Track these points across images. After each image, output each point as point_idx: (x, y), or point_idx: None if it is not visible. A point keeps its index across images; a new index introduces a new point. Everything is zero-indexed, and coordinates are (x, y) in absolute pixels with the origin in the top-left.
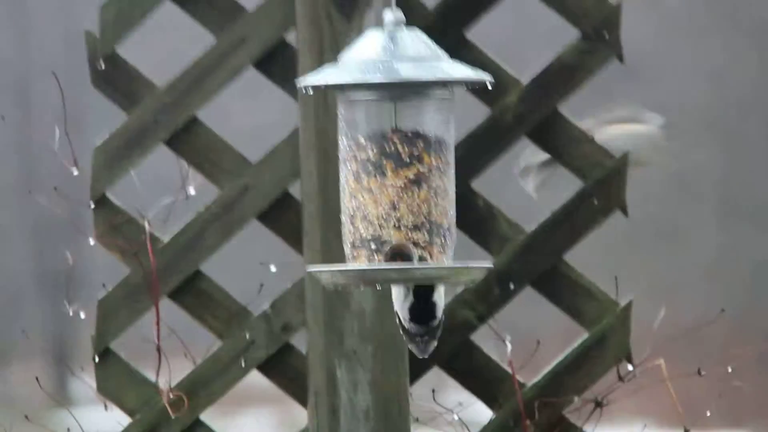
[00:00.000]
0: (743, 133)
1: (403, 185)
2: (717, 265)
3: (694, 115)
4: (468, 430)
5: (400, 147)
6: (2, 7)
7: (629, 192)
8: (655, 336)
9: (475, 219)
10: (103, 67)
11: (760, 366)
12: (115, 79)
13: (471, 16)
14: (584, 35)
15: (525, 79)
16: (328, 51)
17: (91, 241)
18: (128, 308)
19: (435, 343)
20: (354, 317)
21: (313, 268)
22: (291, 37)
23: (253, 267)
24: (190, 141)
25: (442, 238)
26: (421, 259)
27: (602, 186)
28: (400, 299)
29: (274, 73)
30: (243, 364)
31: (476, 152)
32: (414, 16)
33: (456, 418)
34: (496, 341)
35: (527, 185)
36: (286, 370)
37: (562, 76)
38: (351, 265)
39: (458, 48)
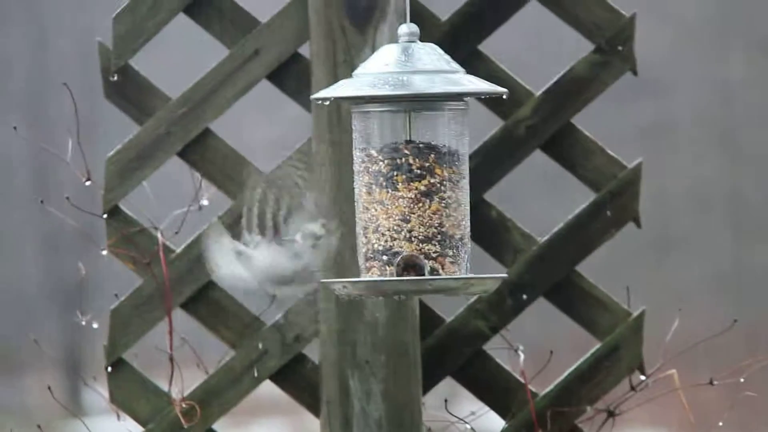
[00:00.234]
0: (755, 145)
1: (414, 197)
2: (729, 275)
3: (706, 128)
4: None
5: (411, 159)
6: (16, 18)
7: (642, 203)
8: (667, 346)
9: (489, 230)
10: (116, 79)
11: None
12: (128, 91)
13: (485, 29)
14: (598, 48)
15: (538, 91)
16: (342, 63)
17: (104, 252)
18: (141, 318)
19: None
20: (367, 328)
21: (327, 279)
22: (304, 50)
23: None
24: (203, 152)
25: (455, 250)
26: (433, 270)
27: (615, 197)
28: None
29: (288, 85)
30: (256, 374)
31: (490, 164)
32: (428, 29)
33: (469, 427)
34: (509, 351)
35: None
36: (298, 380)
37: (575, 88)
38: (364, 278)
39: (472, 60)
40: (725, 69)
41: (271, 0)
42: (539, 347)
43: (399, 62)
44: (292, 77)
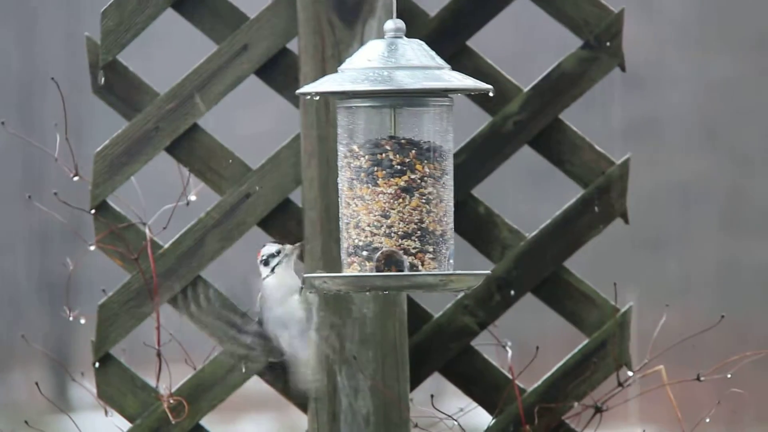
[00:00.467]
0: (743, 142)
1: (393, 193)
2: (717, 272)
3: (693, 124)
4: None
5: (392, 155)
6: (4, 13)
7: (630, 199)
8: (654, 342)
9: (476, 226)
10: (103, 74)
11: (760, 372)
12: (116, 86)
13: (473, 25)
14: (586, 44)
15: (526, 87)
16: (330, 59)
17: (92, 247)
18: (128, 314)
19: None
20: (355, 323)
21: (309, 274)
22: (293, 45)
23: (253, 273)
24: (191, 148)
25: (435, 246)
26: (412, 266)
27: (603, 193)
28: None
29: (276, 80)
30: (243, 370)
31: (477, 159)
32: (417, 25)
33: (456, 423)
34: (496, 347)
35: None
36: (286, 376)
37: (563, 84)
38: (342, 273)
39: (460, 56)
40: (713, 65)
41: None
42: (527, 343)
43: (384, 58)
44: (280, 72)
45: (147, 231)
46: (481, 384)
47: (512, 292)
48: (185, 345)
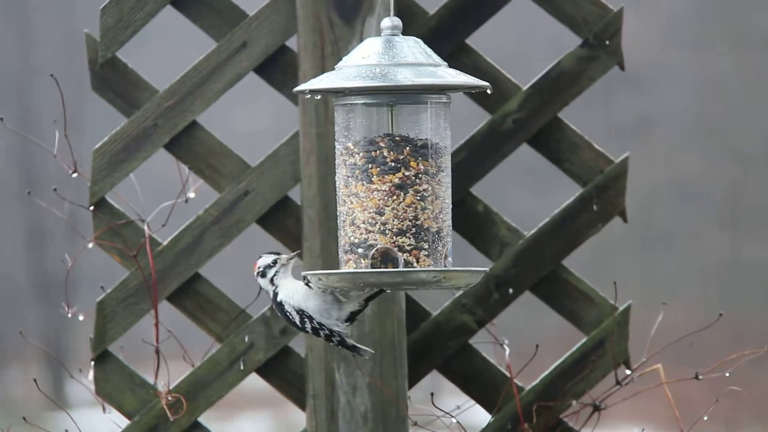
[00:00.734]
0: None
1: (388, 190)
2: (715, 270)
3: (692, 123)
4: None
5: (386, 152)
6: (3, 10)
7: (628, 198)
8: (653, 341)
9: (475, 224)
10: (102, 71)
11: (757, 371)
12: (115, 83)
13: (472, 23)
14: (585, 42)
15: (525, 85)
16: (330, 56)
17: (90, 244)
18: (127, 311)
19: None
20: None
21: (307, 272)
22: (292, 43)
23: (251, 271)
24: (190, 145)
25: (431, 243)
26: (407, 263)
27: (602, 192)
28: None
29: (275, 78)
30: (242, 367)
31: (476, 158)
32: (416, 23)
33: (454, 421)
34: (494, 345)
35: None
36: (284, 374)
37: (562, 82)
38: (336, 270)
39: (459, 54)
40: (712, 64)
41: None
42: (525, 341)
43: (381, 55)
44: (279, 70)
45: (146, 228)
46: (479, 382)
47: (511, 291)
48: (183, 342)
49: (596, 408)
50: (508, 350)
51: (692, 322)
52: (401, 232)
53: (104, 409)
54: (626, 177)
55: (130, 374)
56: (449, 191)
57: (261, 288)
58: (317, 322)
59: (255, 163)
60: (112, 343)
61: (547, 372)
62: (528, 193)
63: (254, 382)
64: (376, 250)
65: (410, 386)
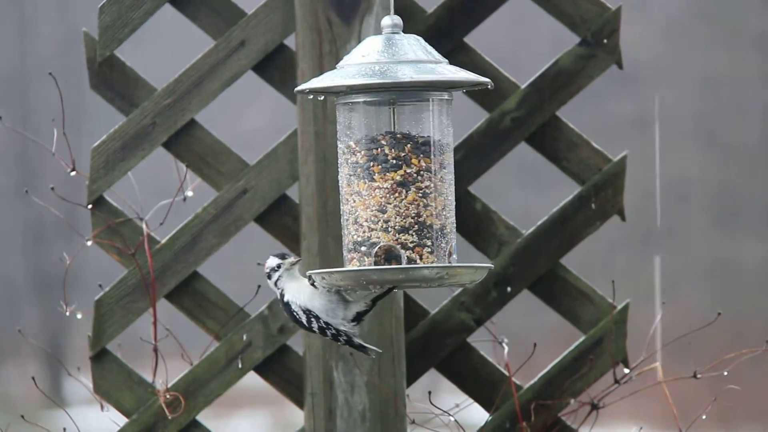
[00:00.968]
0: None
1: (389, 187)
2: (713, 269)
3: (690, 122)
4: None
5: (387, 150)
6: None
7: (626, 196)
8: (651, 339)
9: (473, 222)
10: (101, 70)
11: (755, 370)
12: (114, 81)
13: (470, 22)
14: (583, 41)
15: (524, 83)
16: (327, 55)
17: (89, 242)
18: (125, 309)
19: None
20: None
21: (310, 271)
22: (290, 41)
23: (250, 269)
24: (189, 143)
25: (434, 240)
26: (410, 261)
27: (600, 190)
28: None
29: (273, 76)
30: (240, 366)
31: (474, 156)
32: (414, 21)
33: (452, 419)
34: (493, 344)
35: None
36: (282, 372)
37: (560, 81)
38: (342, 269)
39: (457, 52)
40: (709, 63)
41: None
42: (523, 340)
43: (382, 53)
44: (277, 69)
45: (144, 226)
46: (478, 380)
47: (509, 289)
48: (181, 340)
49: (594, 407)
50: (506, 349)
51: (690, 321)
52: (404, 230)
53: (102, 408)
54: (624, 175)
55: (128, 372)
56: (452, 188)
57: (271, 285)
58: (324, 322)
59: (253, 162)
60: (110, 342)
61: (545, 370)
62: (526, 191)
63: (252, 380)
64: (379, 247)
65: (408, 384)
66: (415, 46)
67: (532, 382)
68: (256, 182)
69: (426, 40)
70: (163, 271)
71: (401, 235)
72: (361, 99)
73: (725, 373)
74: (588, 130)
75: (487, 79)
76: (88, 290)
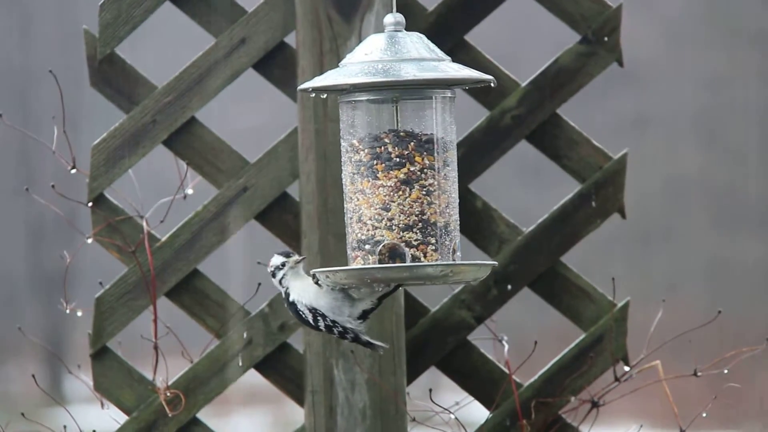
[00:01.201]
0: (739, 138)
1: (393, 186)
2: (713, 267)
3: (691, 121)
4: (464, 429)
5: (390, 148)
6: (1, 6)
7: (627, 194)
8: (651, 337)
9: (474, 220)
10: (101, 67)
11: (756, 368)
12: (114, 79)
13: (471, 19)
14: (584, 39)
15: (524, 81)
16: (328, 53)
17: (89, 240)
18: (126, 307)
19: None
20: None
21: (314, 269)
22: (291, 39)
23: (250, 267)
24: (189, 141)
25: (438, 238)
26: (414, 258)
27: (600, 188)
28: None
29: (274, 74)
30: (240, 363)
31: (475, 154)
32: (414, 19)
33: (452, 417)
34: (493, 342)
35: None
36: (283, 370)
37: (561, 79)
38: (345, 267)
39: (458, 50)
40: (709, 62)
41: None
42: (523, 337)
43: (384, 51)
44: (278, 66)
45: (144, 224)
46: (478, 378)
47: (509, 287)
48: (182, 338)
49: (595, 404)
50: (506, 346)
51: (691, 319)
52: (408, 228)
53: (103, 405)
54: (625, 173)
55: (128, 370)
56: (456, 185)
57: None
58: (330, 320)
59: (253, 160)
60: (110, 339)
61: (545, 368)
62: (527, 189)
63: (253, 378)
64: (384, 246)
65: (409, 382)
66: (417, 43)
67: (532, 379)
68: (256, 180)
69: (426, 38)
70: (163, 268)
71: (405, 233)
72: (364, 97)
73: (726, 372)
74: (588, 128)
75: (490, 77)
76: (89, 288)
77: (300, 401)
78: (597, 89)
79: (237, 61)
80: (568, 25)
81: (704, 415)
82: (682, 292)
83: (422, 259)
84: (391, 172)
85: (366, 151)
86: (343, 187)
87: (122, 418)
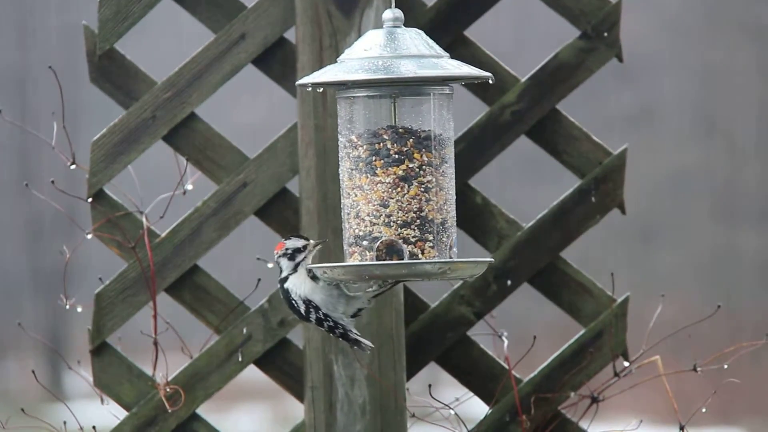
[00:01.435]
0: (739, 132)
1: (392, 182)
2: (713, 262)
3: (690, 115)
4: (464, 425)
5: (389, 144)
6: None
7: (626, 190)
8: (651, 332)
9: (473, 216)
10: (101, 63)
11: (755, 363)
12: (114, 75)
13: (470, 15)
14: (583, 34)
15: (524, 77)
16: (328, 48)
17: (89, 236)
18: (125, 302)
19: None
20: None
21: (311, 265)
22: (290, 35)
23: (250, 262)
24: (189, 137)
25: (435, 234)
26: (412, 255)
27: (600, 184)
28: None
29: (273, 70)
30: (240, 359)
31: (475, 149)
32: (414, 14)
33: (452, 413)
34: (493, 337)
35: None
36: (282, 365)
37: (560, 74)
38: (344, 263)
39: (457, 46)
40: (709, 56)
41: None
42: (523, 333)
43: (383, 47)
44: (277, 62)
45: (144, 220)
46: (478, 374)
47: (509, 282)
48: (181, 334)
49: (594, 400)
50: (506, 342)
51: (690, 314)
52: (406, 224)
53: (102, 401)
54: (624, 169)
55: (128, 366)
56: (453, 182)
57: (279, 265)
58: (323, 313)
59: (253, 155)
60: (110, 335)
61: (545, 364)
62: (526, 185)
63: (252, 373)
64: (381, 242)
65: (408, 378)
66: (416, 40)
67: (532, 375)
68: (256, 176)
69: (426, 34)
70: (163, 264)
71: (403, 229)
72: (363, 93)
73: (725, 366)
74: (588, 124)
75: (488, 74)
76: (89, 284)
77: (300, 397)
78: (597, 85)
79: (236, 56)
80: (568, 20)
81: (704, 410)
82: (682, 287)
83: (420, 255)
84: (389, 168)
85: (365, 147)
86: (340, 182)
87: (122, 413)
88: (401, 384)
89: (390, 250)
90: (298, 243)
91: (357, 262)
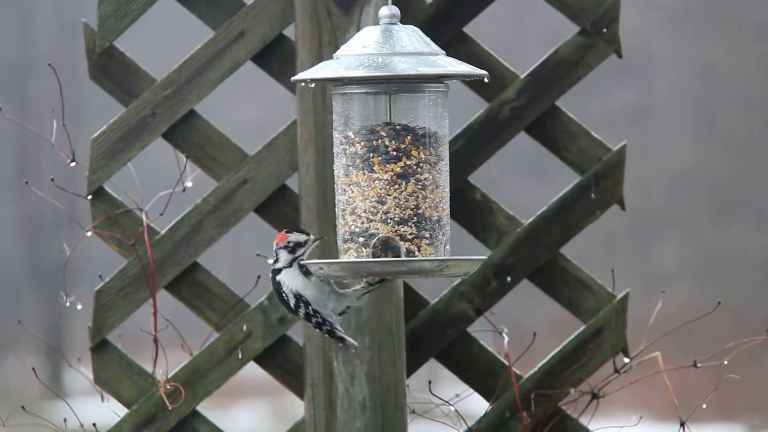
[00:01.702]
0: (737, 129)
1: (389, 179)
2: (713, 258)
3: (689, 112)
4: (464, 422)
5: (387, 141)
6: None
7: (626, 186)
8: (651, 329)
9: (473, 212)
10: (101, 60)
11: (755, 359)
12: (113, 72)
13: (470, 11)
14: (583, 30)
15: (523, 73)
16: (327, 45)
17: (89, 233)
18: (125, 300)
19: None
20: (351, 310)
21: (306, 261)
22: (289, 32)
23: (250, 259)
24: (188, 134)
25: (432, 232)
26: (409, 252)
27: (600, 180)
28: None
29: (273, 67)
30: (240, 356)
31: (474, 146)
32: (413, 11)
33: (452, 409)
34: (493, 334)
35: None
36: (282, 362)
37: (560, 70)
38: (339, 259)
39: (456, 42)
40: (709, 53)
41: None
42: (523, 329)
43: (379, 44)
44: (277, 59)
45: (144, 217)
46: (478, 370)
47: (509, 279)
48: (181, 331)
49: (595, 396)
50: (506, 338)
51: (690, 310)
52: (403, 221)
53: (102, 398)
54: (624, 165)
55: (128, 363)
56: (448, 180)
57: (276, 256)
58: (312, 309)
59: (253, 152)
60: (110, 332)
61: (545, 360)
62: (526, 181)
63: (252, 370)
64: (378, 239)
65: (408, 375)
66: (413, 37)
67: (532, 371)
68: (255, 173)
69: (425, 30)
70: (163, 261)
71: (400, 226)
72: (358, 90)
73: (725, 363)
74: (588, 120)
75: (484, 72)
76: (88, 281)
77: (300, 394)
78: (596, 81)
79: (236, 53)
80: (567, 16)
81: (704, 406)
82: (682, 283)
83: (416, 252)
84: (387, 165)
85: (362, 143)
86: (335, 178)
87: (122, 411)
88: (401, 380)
89: (386, 246)
90: (300, 237)
91: (356, 259)
